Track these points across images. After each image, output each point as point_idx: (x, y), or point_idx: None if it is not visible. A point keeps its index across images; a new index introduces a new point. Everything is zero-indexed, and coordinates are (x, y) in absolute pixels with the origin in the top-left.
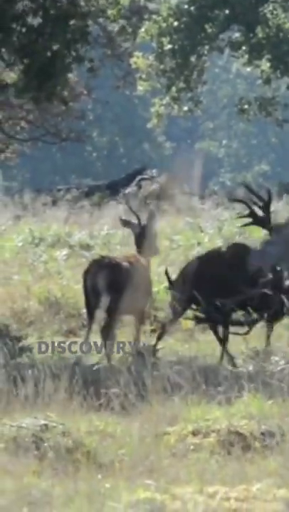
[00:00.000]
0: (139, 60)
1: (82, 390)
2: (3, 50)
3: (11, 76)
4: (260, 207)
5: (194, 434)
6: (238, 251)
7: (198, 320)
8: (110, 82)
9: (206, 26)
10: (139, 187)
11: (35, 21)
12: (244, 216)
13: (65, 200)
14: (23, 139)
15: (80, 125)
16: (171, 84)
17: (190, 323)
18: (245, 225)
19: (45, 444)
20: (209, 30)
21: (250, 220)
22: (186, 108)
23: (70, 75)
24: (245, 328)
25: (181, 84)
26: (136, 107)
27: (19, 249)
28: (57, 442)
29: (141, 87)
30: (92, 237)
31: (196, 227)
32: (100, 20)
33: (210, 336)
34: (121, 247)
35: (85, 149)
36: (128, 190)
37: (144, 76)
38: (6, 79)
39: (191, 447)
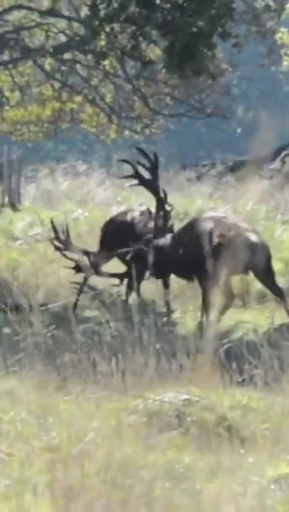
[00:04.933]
0: (285, 36)
1: (225, 365)
2: (147, 27)
3: (155, 52)
4: (147, 168)
5: None
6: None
7: None
8: (255, 59)
9: None
10: (283, 163)
11: None
12: (129, 176)
13: (210, 176)
14: (168, 114)
15: (225, 101)
16: None
17: None
18: (132, 185)
19: (188, 419)
20: None
21: (136, 181)
22: None
23: (215, 51)
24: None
25: None
26: (281, 83)
27: None
28: (200, 417)
29: (286, 63)
30: (237, 212)
31: None
32: None
33: None
34: (265, 222)
35: (230, 125)
36: (272, 165)
37: None
38: (149, 55)
39: None
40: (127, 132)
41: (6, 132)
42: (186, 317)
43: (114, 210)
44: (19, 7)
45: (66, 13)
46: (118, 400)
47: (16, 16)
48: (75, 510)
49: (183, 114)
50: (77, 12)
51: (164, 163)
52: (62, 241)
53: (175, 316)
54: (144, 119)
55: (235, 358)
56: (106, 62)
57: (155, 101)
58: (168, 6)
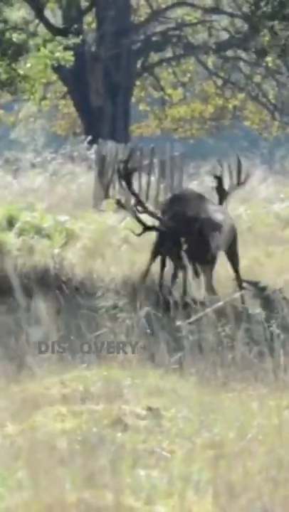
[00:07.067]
0: None
1: None
2: None
3: None
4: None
5: None
6: None
7: None
8: None
9: None
10: None
11: None
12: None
13: None
14: None
15: None
16: None
17: None
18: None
19: None
20: None
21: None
22: None
23: None
24: None
25: None
26: None
27: None
28: None
29: None
30: None
31: None
32: None
33: None
34: None
35: None
36: None
37: None
38: None
39: None
40: None
41: (168, 129)
42: None
43: (277, 207)
44: (182, 4)
45: (229, 10)
46: (280, 397)
47: (178, 13)
48: (237, 508)
49: None
50: (240, 9)
51: None
52: None
53: None
54: None
55: None
56: (269, 59)
57: None
58: None
